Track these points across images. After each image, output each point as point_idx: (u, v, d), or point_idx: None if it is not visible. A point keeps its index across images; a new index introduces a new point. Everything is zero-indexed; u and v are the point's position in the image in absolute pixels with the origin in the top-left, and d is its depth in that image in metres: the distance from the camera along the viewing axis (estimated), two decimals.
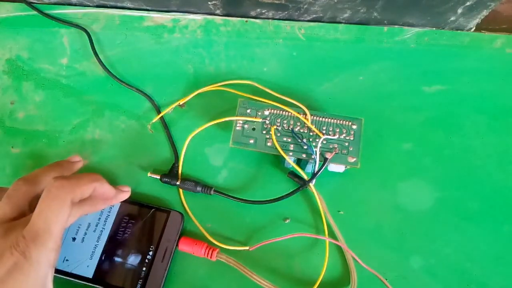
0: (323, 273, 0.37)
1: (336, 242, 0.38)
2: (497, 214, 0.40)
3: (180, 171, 0.42)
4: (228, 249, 0.38)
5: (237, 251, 0.39)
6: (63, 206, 0.31)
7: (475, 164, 0.42)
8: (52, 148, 0.43)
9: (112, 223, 0.39)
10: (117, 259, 0.38)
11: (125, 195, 0.38)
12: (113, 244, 0.38)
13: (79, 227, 0.39)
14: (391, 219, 0.40)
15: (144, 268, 0.37)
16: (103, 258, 0.38)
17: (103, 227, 0.39)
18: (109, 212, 0.39)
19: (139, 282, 0.37)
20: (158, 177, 0.41)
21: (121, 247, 0.38)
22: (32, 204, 0.34)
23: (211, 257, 0.38)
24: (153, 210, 0.40)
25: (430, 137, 0.43)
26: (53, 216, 0.30)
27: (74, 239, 0.38)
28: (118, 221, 0.39)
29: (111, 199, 0.37)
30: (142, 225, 0.39)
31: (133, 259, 0.38)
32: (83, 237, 0.38)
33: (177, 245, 0.38)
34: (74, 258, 0.38)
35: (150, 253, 0.38)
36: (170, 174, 0.41)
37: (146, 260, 0.38)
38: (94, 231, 0.39)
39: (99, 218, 0.39)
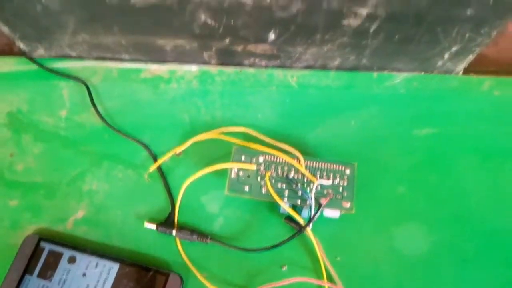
0: None
1: (335, 287, 0.38)
2: (494, 256, 0.40)
3: (176, 220, 0.42)
4: None
5: None
6: None
7: (469, 205, 0.42)
8: (49, 200, 0.44)
9: (110, 286, 0.39)
10: None
11: None
12: None
13: None
14: (388, 264, 0.40)
15: None
16: None
17: None
18: (108, 274, 0.39)
19: None
20: (154, 227, 0.41)
21: None
22: None
23: None
24: (152, 272, 0.39)
25: (423, 180, 0.43)
26: None
27: None
28: (116, 284, 0.39)
29: None
30: None
31: None
32: None
33: None
34: None
35: None
36: (166, 223, 0.41)
37: None
38: None
39: (98, 281, 0.39)
